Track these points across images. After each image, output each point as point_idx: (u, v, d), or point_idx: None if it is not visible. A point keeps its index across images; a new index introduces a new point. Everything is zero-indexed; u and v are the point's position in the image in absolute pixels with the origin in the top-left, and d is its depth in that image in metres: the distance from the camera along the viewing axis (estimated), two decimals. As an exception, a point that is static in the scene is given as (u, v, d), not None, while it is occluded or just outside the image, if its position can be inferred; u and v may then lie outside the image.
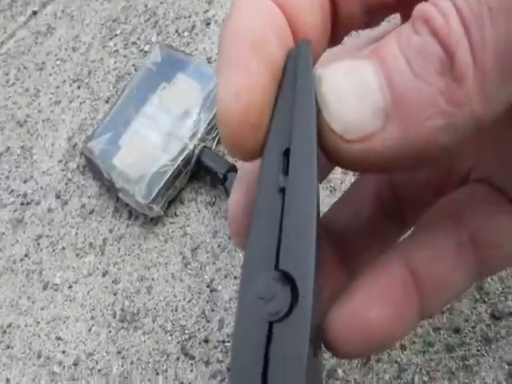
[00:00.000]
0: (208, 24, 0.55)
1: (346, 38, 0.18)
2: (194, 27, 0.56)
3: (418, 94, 0.13)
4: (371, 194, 0.20)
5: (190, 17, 0.59)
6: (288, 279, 0.13)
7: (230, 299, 0.38)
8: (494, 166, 0.19)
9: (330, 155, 0.14)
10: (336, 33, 0.17)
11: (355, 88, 0.14)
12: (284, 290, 0.13)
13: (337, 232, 0.20)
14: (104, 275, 0.46)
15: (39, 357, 0.45)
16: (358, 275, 0.19)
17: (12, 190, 0.55)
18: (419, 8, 0.13)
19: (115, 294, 0.45)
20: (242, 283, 0.14)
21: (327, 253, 0.19)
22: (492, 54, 0.12)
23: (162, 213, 0.45)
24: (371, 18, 0.18)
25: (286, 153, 0.14)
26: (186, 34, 0.57)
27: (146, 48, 0.58)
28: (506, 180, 0.19)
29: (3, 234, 0.53)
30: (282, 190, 0.14)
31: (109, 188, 0.49)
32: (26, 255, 0.51)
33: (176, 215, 0.45)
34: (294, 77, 0.15)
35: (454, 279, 0.19)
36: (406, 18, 0.16)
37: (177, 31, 0.58)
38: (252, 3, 0.15)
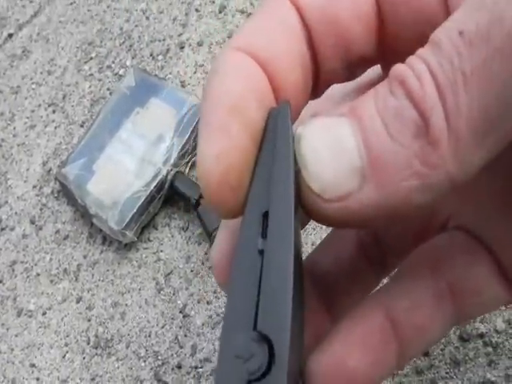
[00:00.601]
0: (182, 48, 0.55)
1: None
2: (168, 51, 0.56)
3: (394, 156, 0.13)
4: (353, 237, 0.21)
5: (164, 40, 0.59)
6: (265, 340, 0.14)
7: (203, 324, 0.38)
8: (469, 214, 0.20)
9: (309, 213, 0.15)
10: (317, 87, 0.18)
11: (331, 146, 0.14)
12: (262, 350, 0.14)
13: (320, 276, 0.21)
14: (78, 301, 0.46)
15: (13, 384, 0.44)
16: (338, 322, 0.19)
17: None
18: (396, 69, 0.14)
19: (89, 321, 0.44)
20: (222, 343, 0.14)
21: (310, 297, 0.19)
22: (466, 120, 0.12)
23: (136, 238, 0.44)
24: (352, 72, 0.18)
25: (266, 215, 0.14)
26: (160, 57, 0.56)
27: (121, 72, 0.58)
28: (480, 228, 0.19)
29: None
30: (261, 252, 0.14)
31: (83, 214, 0.49)
32: (0, 281, 0.50)
33: (149, 240, 0.45)
34: (273, 137, 0.15)
35: (433, 327, 0.19)
36: (386, 68, 0.17)
37: (151, 55, 0.57)
38: (234, 63, 0.15)
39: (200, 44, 0.55)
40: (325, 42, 0.16)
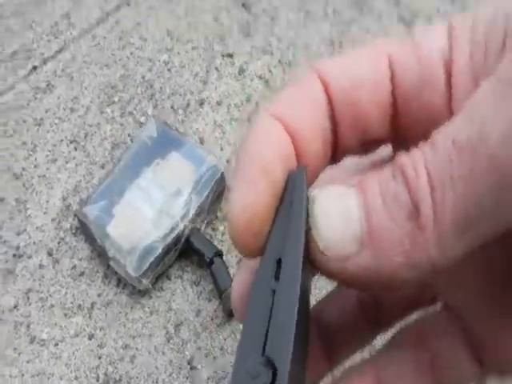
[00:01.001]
0: (201, 104, 0.60)
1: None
2: (188, 105, 0.61)
3: (389, 232, 0.16)
4: (355, 295, 0.24)
5: (185, 95, 0.63)
6: (271, 364, 0.17)
7: (208, 378, 0.43)
8: (454, 294, 0.22)
9: (315, 266, 0.18)
10: (335, 156, 0.20)
11: (340, 213, 0.17)
12: (267, 372, 0.17)
13: (324, 325, 0.24)
14: (90, 338, 0.50)
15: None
16: (336, 380, 0.22)
17: (5, 241, 0.58)
18: (400, 158, 0.16)
19: (100, 358, 0.48)
20: (236, 362, 0.17)
21: (314, 344, 0.22)
22: (450, 214, 0.14)
23: (150, 286, 0.49)
24: (366, 149, 0.21)
25: (279, 261, 0.18)
26: (180, 111, 0.61)
27: (142, 119, 0.62)
28: (463, 309, 0.22)
29: None
30: (274, 292, 0.17)
31: (100, 253, 0.53)
32: (15, 306, 0.54)
33: (162, 290, 0.49)
34: (291, 196, 0.18)
35: None
36: (396, 148, 0.20)
37: (172, 107, 0.62)
38: (267, 129, 0.18)
39: (219, 103, 0.60)
40: (345, 122, 0.19)
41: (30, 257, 0.57)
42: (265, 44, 0.61)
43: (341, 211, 0.16)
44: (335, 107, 0.18)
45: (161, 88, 0.63)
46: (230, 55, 0.61)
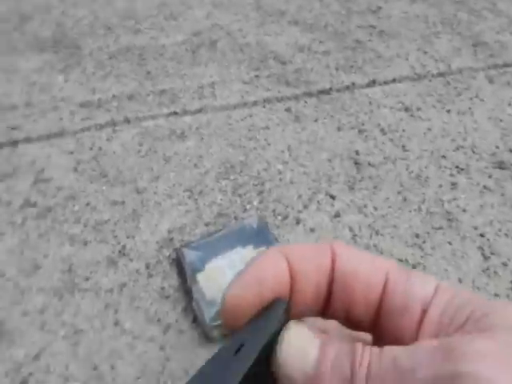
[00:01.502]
0: (298, 223, 0.79)
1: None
2: (286, 217, 0.80)
3: None
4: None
5: (286, 207, 0.82)
6: None
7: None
8: None
9: (271, 364, 0.21)
10: (325, 313, 0.24)
11: (302, 353, 0.20)
12: None
13: None
14: (160, 349, 0.65)
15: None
16: None
17: (116, 236, 0.73)
18: (358, 344, 0.19)
19: (163, 369, 0.63)
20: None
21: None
22: None
23: (219, 338, 0.65)
24: (350, 324, 0.24)
25: (242, 345, 0.21)
26: (279, 217, 0.80)
27: (248, 206, 0.81)
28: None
29: (99, 263, 0.70)
30: (229, 360, 0.21)
31: (186, 290, 0.69)
32: (110, 290, 0.68)
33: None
34: (268, 315, 0.22)
35: None
36: (374, 336, 0.23)
37: (273, 211, 0.81)
38: (274, 259, 0.22)
39: (312, 230, 0.79)
40: (337, 297, 0.22)
41: (131, 259, 0.72)
42: (361, 205, 0.82)
43: (302, 351, 0.20)
44: (334, 279, 0.22)
45: (269, 190, 0.83)
46: (333, 197, 0.82)
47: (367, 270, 0.22)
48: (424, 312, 0.21)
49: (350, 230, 0.81)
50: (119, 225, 0.78)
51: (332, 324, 0.24)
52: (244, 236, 0.78)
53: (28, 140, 0.96)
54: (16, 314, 0.69)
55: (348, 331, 0.24)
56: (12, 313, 0.69)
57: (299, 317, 0.23)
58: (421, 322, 0.21)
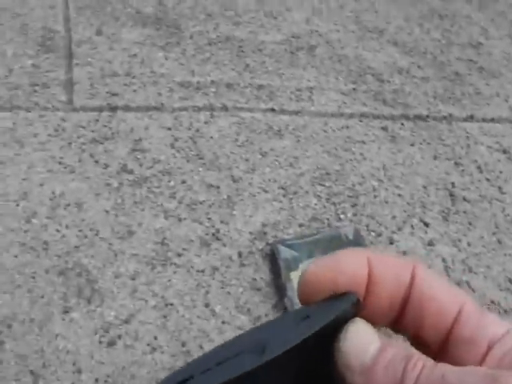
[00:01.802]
0: (391, 243, 0.79)
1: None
2: (380, 235, 0.80)
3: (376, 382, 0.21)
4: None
5: (380, 224, 0.82)
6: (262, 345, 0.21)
7: None
8: None
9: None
10: (394, 325, 0.24)
11: (362, 347, 0.21)
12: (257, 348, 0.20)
13: None
14: None
15: None
16: None
17: (209, 218, 0.74)
18: (415, 351, 0.21)
19: None
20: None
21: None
22: None
23: None
24: (417, 347, 0.24)
25: (306, 317, 0.23)
26: (372, 234, 0.80)
27: (341, 216, 0.81)
28: None
29: (192, 242, 0.71)
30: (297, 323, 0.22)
31: (278, 286, 0.69)
32: (202, 271, 0.69)
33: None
34: (339, 302, 0.22)
35: None
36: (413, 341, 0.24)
37: (367, 226, 0.81)
38: (358, 257, 0.23)
39: (404, 253, 0.79)
40: (410, 316, 0.24)
41: (224, 244, 0.73)
42: (455, 238, 0.82)
43: (365, 344, 0.21)
44: (410, 297, 0.23)
45: (364, 204, 0.83)
46: (426, 224, 0.82)
47: (444, 297, 0.23)
48: (489, 348, 0.22)
49: (443, 260, 0.81)
50: (213, 208, 0.78)
51: (399, 340, 0.24)
52: (339, 244, 0.78)
53: (127, 108, 0.97)
54: (108, 275, 0.70)
55: (412, 350, 0.24)
56: (105, 273, 0.70)
57: (369, 321, 0.23)
58: (484, 357, 0.22)
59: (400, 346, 0.22)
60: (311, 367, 0.22)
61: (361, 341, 0.22)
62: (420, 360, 0.21)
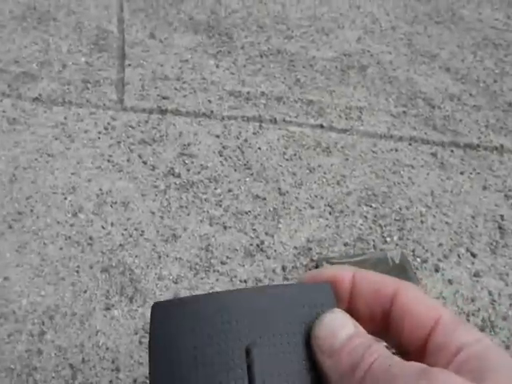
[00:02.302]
0: (436, 271, 0.79)
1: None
2: (426, 261, 0.80)
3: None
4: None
5: (426, 251, 0.82)
6: None
7: None
8: None
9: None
10: (381, 334, 0.28)
11: (333, 331, 0.26)
12: None
13: None
14: None
15: None
16: None
17: (254, 229, 0.75)
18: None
19: None
20: None
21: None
22: None
23: None
24: (401, 354, 0.28)
25: None
26: (418, 260, 0.80)
27: (388, 239, 0.81)
28: None
29: (236, 251, 0.72)
30: None
31: None
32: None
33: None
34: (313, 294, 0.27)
35: None
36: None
37: (413, 252, 0.81)
38: (341, 268, 0.29)
39: (450, 282, 0.79)
40: (393, 326, 0.27)
41: (268, 257, 0.74)
42: (503, 272, 0.83)
43: (338, 329, 0.25)
44: (392, 310, 0.27)
45: (410, 229, 0.83)
46: (473, 255, 0.83)
47: (422, 310, 0.26)
48: (457, 353, 0.25)
49: (489, 293, 0.81)
50: (259, 219, 0.79)
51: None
52: (385, 267, 0.78)
53: (177, 112, 0.99)
54: (151, 276, 0.71)
55: (379, 343, 0.27)
56: (148, 274, 0.71)
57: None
58: (451, 361, 0.25)
59: (369, 337, 0.26)
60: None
61: (334, 327, 0.26)
62: (378, 350, 0.24)
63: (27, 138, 0.87)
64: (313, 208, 0.85)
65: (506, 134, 1.13)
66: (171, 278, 0.70)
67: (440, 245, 0.85)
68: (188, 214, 0.80)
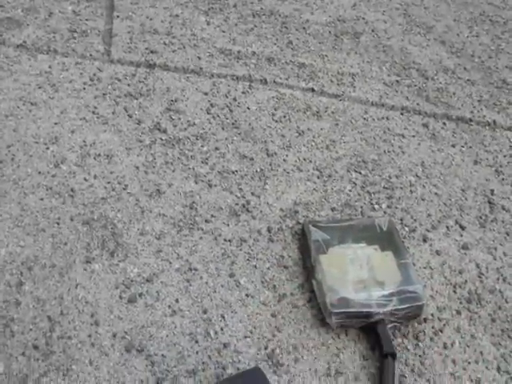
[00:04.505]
0: (424, 241, 0.79)
1: None
2: (414, 231, 0.80)
3: None
4: None
5: (414, 220, 0.82)
6: None
7: None
8: None
9: None
10: None
11: None
12: None
13: None
14: (273, 316, 0.65)
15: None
16: None
17: (241, 188, 0.75)
18: None
19: (274, 333, 0.63)
20: None
21: None
22: None
23: (334, 328, 0.65)
24: None
25: None
26: (406, 229, 0.80)
27: (376, 207, 0.81)
28: None
29: (221, 210, 0.71)
30: None
31: (306, 266, 0.70)
32: (242, 241, 0.69)
33: (339, 339, 0.66)
34: None
35: None
36: None
37: (401, 220, 0.81)
38: None
39: (438, 253, 0.79)
40: None
41: (254, 217, 0.75)
42: (491, 246, 0.84)
43: None
44: None
45: (399, 198, 0.83)
46: (462, 227, 0.84)
47: None
48: None
49: (477, 266, 0.81)
50: (245, 179, 0.79)
51: None
52: (371, 234, 0.78)
53: (165, 67, 0.97)
54: (133, 231, 0.70)
55: None
56: (130, 228, 0.70)
57: None
58: None
59: None
60: None
61: None
62: None
63: (10, 85, 0.84)
64: (301, 171, 0.84)
65: (499, 110, 1.13)
66: (154, 233, 0.69)
67: (429, 215, 0.85)
68: (173, 171, 0.78)
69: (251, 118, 0.91)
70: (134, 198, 0.73)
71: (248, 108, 0.94)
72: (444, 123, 1.07)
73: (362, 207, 0.85)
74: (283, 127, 0.92)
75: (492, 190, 0.94)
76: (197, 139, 0.84)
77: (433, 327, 0.70)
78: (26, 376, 0.53)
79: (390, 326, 0.70)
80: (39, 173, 0.72)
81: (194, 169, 0.80)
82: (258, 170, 0.82)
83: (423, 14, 1.42)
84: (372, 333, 0.68)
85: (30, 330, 0.56)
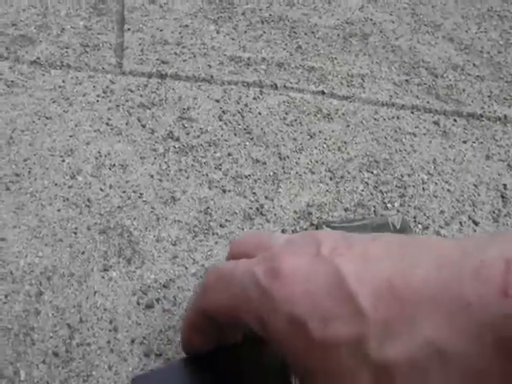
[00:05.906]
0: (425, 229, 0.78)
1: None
2: (427, 228, 0.78)
3: None
4: None
5: (428, 218, 0.81)
6: None
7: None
8: None
9: None
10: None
11: None
12: None
13: None
14: None
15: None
16: None
17: (254, 193, 0.74)
18: None
19: None
20: None
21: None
22: None
23: None
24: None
25: None
26: (420, 226, 0.79)
27: (389, 206, 0.80)
28: None
29: (236, 215, 0.71)
30: None
31: None
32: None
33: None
34: None
35: None
36: None
37: (414, 217, 0.80)
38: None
39: None
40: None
41: (268, 220, 0.73)
42: None
43: None
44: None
45: (412, 196, 0.82)
46: (476, 223, 0.84)
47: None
48: None
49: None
50: (259, 183, 0.78)
51: None
52: (385, 232, 0.77)
53: (176, 77, 0.98)
54: (150, 238, 0.70)
55: None
56: (146, 236, 0.70)
57: None
58: None
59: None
60: None
61: None
62: None
63: (25, 100, 0.85)
64: (313, 173, 0.84)
65: (510, 104, 1.12)
66: (170, 240, 0.69)
67: (442, 212, 0.84)
68: (187, 178, 0.78)
69: (263, 123, 0.91)
70: (150, 205, 0.73)
71: (259, 113, 0.94)
72: (455, 120, 1.06)
73: (374, 206, 0.84)
74: (295, 131, 0.91)
75: (505, 185, 0.93)
76: (209, 146, 0.85)
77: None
78: (46, 383, 0.53)
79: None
80: (56, 184, 0.73)
81: (207, 175, 0.80)
82: (271, 173, 0.81)
83: (431, 13, 1.41)
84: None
85: (50, 337, 0.56)
